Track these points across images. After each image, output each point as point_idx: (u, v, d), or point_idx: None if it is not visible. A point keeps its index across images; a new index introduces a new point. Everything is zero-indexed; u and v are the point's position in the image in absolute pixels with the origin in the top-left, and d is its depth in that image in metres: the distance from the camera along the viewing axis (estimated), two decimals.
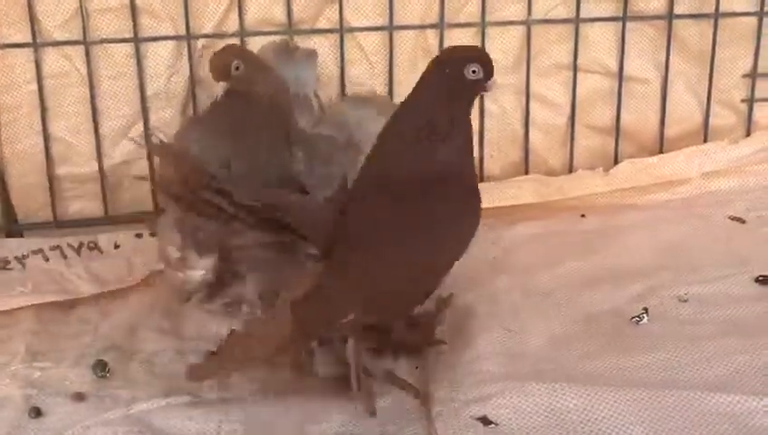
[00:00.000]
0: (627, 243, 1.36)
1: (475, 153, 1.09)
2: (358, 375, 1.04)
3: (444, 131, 1.00)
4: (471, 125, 1.03)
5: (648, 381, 1.03)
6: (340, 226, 1.00)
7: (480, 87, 1.02)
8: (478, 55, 1.03)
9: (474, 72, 1.00)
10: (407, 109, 1.02)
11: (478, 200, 1.03)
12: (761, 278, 1.24)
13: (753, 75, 1.55)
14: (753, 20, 1.54)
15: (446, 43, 1.47)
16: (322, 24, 1.44)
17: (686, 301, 1.20)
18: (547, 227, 1.44)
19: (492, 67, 1.02)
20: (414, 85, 1.03)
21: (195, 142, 1.14)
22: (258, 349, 1.02)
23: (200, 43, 1.44)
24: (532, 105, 1.52)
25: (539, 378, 1.04)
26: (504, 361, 1.09)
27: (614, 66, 1.54)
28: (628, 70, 1.54)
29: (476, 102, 1.05)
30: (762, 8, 1.53)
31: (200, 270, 1.05)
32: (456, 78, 1.00)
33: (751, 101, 1.58)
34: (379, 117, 1.11)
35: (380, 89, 1.48)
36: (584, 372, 1.06)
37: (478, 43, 1.49)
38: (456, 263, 1.04)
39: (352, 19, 1.45)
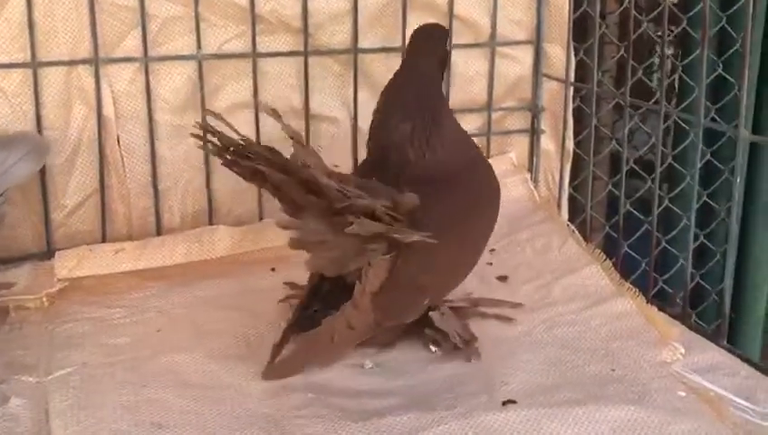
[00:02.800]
0: None
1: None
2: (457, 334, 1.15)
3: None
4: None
5: None
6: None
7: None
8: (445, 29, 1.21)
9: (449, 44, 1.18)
10: (401, 97, 1.14)
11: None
12: None
13: None
14: None
15: (106, 81, 1.36)
16: None
17: None
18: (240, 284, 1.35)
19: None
20: None
21: None
22: (343, 339, 1.09)
23: None
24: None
25: None
26: None
27: (298, 102, 1.46)
28: (314, 107, 1.47)
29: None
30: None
31: None
32: (447, 52, 1.18)
33: None
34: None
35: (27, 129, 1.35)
36: None
37: (141, 81, 1.37)
38: None
39: None
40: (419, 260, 1.07)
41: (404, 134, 1.12)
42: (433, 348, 1.17)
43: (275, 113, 1.03)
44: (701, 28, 1.26)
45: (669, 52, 1.91)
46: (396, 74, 1.16)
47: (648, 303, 1.30)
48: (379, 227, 1.03)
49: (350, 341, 1.11)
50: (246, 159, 1.00)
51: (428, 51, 1.16)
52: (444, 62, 1.18)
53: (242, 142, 1.00)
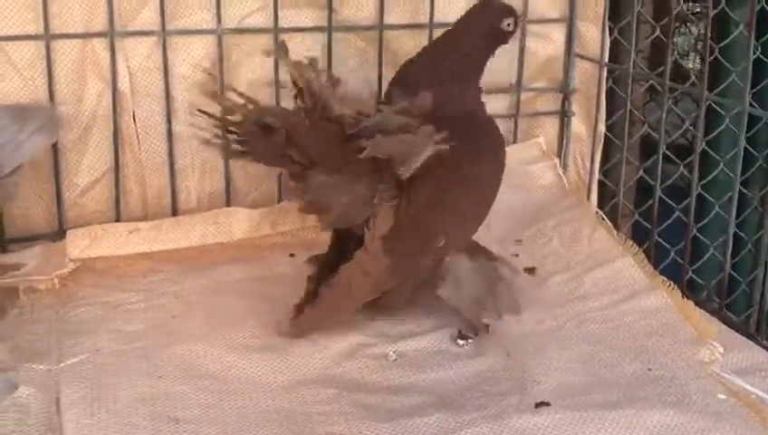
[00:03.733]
0: None
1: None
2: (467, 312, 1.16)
3: (473, 73, 1.17)
4: None
5: None
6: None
7: (507, 40, 1.20)
8: (513, 10, 1.20)
9: (509, 24, 1.18)
10: (443, 46, 1.18)
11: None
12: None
13: None
14: None
15: (121, 55, 1.31)
16: None
17: None
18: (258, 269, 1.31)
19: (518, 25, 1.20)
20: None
21: None
22: (360, 287, 1.11)
23: None
24: None
25: None
26: None
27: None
28: None
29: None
30: None
31: None
32: (497, 29, 1.17)
33: None
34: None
35: None
36: None
37: (159, 55, 1.33)
38: None
39: None
40: (425, 201, 1.09)
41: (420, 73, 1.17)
42: (461, 341, 1.14)
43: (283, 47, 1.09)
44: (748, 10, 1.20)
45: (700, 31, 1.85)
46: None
47: (683, 297, 1.25)
48: (392, 142, 1.04)
49: (367, 288, 1.12)
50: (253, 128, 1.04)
51: (468, 24, 1.18)
52: (487, 38, 1.18)
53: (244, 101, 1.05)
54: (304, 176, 1.08)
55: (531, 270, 1.32)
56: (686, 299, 1.24)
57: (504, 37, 1.19)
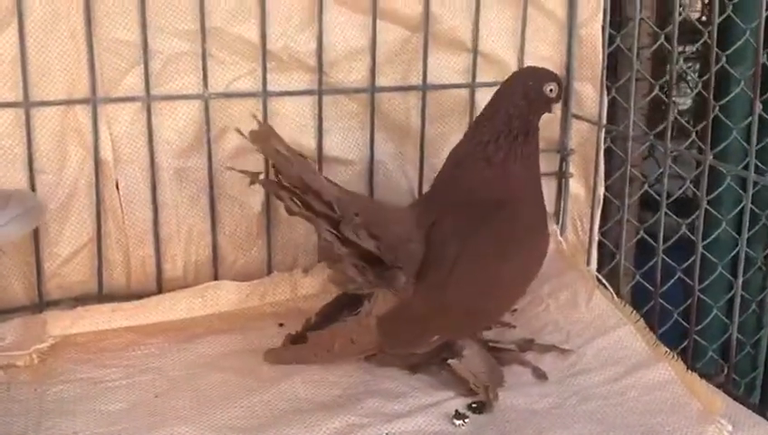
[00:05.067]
0: None
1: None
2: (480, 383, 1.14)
3: (518, 142, 1.14)
4: (538, 143, 1.18)
5: None
6: (429, 249, 1.11)
7: (549, 107, 1.18)
8: (556, 77, 1.19)
9: (551, 90, 1.17)
10: (484, 120, 1.17)
11: (547, 218, 1.22)
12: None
13: None
14: (464, 92, 1.44)
15: (104, 122, 1.29)
16: None
17: None
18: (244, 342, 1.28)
19: (562, 91, 1.19)
20: None
21: None
22: (342, 350, 1.15)
23: None
24: (219, 199, 1.37)
25: None
26: None
27: (310, 145, 1.38)
28: (327, 149, 1.40)
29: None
30: (473, 79, 1.43)
31: None
32: (537, 91, 1.16)
33: None
34: None
35: (17, 178, 1.27)
36: None
37: (143, 121, 1.30)
38: None
39: None
40: (432, 298, 1.10)
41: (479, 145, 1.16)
42: (457, 422, 1.10)
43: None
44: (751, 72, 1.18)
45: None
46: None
47: (687, 369, 1.21)
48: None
49: (350, 353, 1.17)
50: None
51: (508, 89, 1.19)
52: (528, 102, 1.17)
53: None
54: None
55: (529, 342, 1.28)
56: (690, 372, 1.20)
57: (546, 103, 1.18)
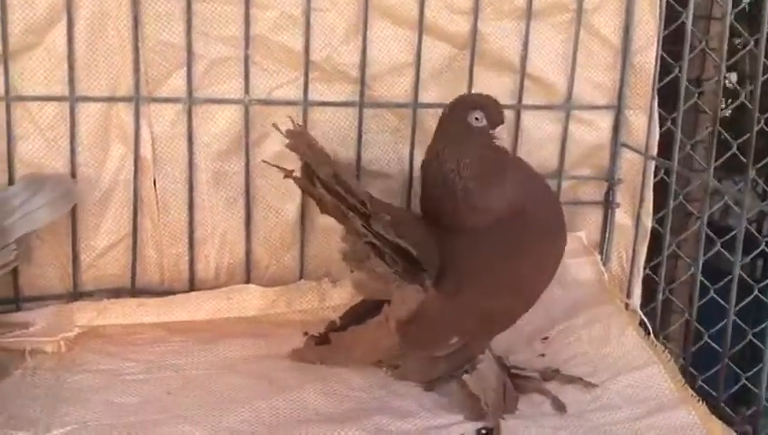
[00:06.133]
0: None
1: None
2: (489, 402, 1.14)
3: (467, 174, 1.11)
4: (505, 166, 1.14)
5: None
6: (448, 255, 1.10)
7: (485, 133, 1.12)
8: (483, 103, 1.14)
9: (476, 118, 1.12)
10: (428, 154, 1.16)
11: (564, 227, 1.18)
12: None
13: None
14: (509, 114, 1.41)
15: (146, 121, 1.32)
16: None
17: None
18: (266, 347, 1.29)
19: (498, 115, 1.13)
20: None
21: None
22: (363, 353, 1.16)
23: None
24: (254, 204, 1.39)
25: None
26: None
27: (349, 157, 1.39)
28: (366, 162, 1.41)
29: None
30: (519, 101, 1.41)
31: None
32: (461, 123, 1.12)
33: None
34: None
35: (59, 170, 1.31)
36: None
37: (184, 123, 1.33)
38: None
39: (22, 88, 1.28)
40: (449, 298, 1.10)
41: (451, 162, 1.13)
42: None
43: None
44: None
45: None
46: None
47: (714, 412, 1.18)
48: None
49: (371, 356, 1.18)
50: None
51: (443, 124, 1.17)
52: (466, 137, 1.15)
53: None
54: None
55: (555, 372, 1.25)
56: (713, 417, 1.16)
57: (480, 133, 1.13)
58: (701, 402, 1.18)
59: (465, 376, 1.15)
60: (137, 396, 1.16)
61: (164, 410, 1.13)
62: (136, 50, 1.28)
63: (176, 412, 1.12)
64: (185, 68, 1.31)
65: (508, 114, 1.40)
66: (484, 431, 1.12)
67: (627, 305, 1.43)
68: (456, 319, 1.13)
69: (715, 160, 1.49)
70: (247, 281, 1.40)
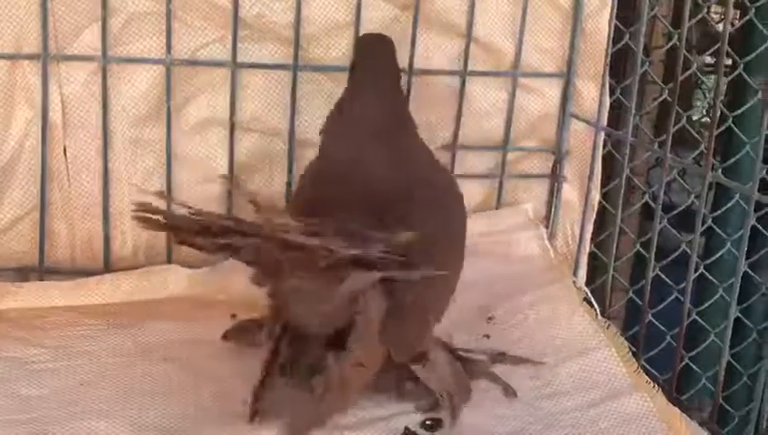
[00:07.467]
0: None
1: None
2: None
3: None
4: None
5: None
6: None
7: None
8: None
9: None
10: None
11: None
12: None
13: (452, 147, 1.38)
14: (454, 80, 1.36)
15: (55, 82, 1.23)
16: None
17: None
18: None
19: None
20: None
21: None
22: (357, 385, 1.03)
23: None
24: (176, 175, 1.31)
25: None
26: None
27: (282, 125, 1.31)
28: (300, 129, 1.33)
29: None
30: (465, 68, 1.34)
31: None
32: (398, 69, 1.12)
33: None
34: None
35: None
36: None
37: (98, 84, 1.24)
38: None
39: None
40: (428, 288, 1.02)
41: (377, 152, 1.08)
42: None
43: (234, 182, 1.05)
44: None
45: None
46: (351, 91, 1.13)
47: (671, 399, 1.13)
48: (375, 275, 0.96)
49: (362, 379, 1.03)
50: (208, 234, 0.91)
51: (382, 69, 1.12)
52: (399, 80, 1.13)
53: (198, 219, 0.90)
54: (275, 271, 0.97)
55: (501, 355, 1.19)
56: (671, 405, 1.11)
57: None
58: (657, 389, 1.13)
59: (415, 367, 1.06)
60: (46, 388, 1.06)
61: (76, 404, 1.03)
62: (43, 1, 1.19)
63: (89, 406, 1.03)
64: (99, 23, 1.22)
65: (453, 81, 1.34)
66: (429, 422, 1.04)
67: (574, 283, 1.37)
68: (428, 297, 1.05)
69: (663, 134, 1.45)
70: (169, 261, 1.32)
